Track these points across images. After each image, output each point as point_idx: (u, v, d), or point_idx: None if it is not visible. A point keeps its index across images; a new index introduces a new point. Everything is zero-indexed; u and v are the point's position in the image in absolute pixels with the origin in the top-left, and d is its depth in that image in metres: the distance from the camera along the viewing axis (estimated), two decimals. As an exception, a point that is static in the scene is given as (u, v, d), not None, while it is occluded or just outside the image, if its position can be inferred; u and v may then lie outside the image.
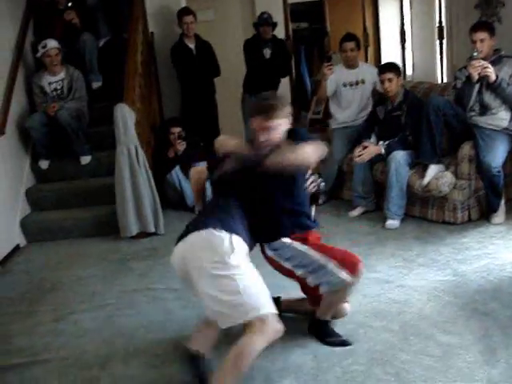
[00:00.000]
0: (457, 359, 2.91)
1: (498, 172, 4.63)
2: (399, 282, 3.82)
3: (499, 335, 3.10)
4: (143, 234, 5.19)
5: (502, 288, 3.63)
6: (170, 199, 5.90)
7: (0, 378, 3.13)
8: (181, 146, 5.88)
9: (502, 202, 4.76)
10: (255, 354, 2.54)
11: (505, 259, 4.05)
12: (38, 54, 5.81)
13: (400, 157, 4.87)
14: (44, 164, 5.90)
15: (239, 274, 2.59)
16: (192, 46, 6.53)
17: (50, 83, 5.84)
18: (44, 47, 5.73)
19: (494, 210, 4.74)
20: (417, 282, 3.79)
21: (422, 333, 3.17)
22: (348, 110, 5.76)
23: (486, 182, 4.70)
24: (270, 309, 2.60)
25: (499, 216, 4.75)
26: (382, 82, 5.08)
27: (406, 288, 3.71)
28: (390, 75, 5.02)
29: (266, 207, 2.98)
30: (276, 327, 2.59)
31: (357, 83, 5.71)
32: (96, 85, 6.50)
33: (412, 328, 3.22)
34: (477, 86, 4.65)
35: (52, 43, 5.74)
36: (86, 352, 3.31)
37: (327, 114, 6.06)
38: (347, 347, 3.04)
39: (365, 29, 8.84)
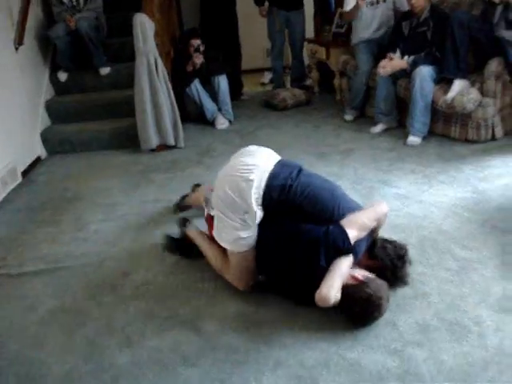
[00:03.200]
0: (473, 273, 2.93)
1: None
2: (419, 197, 3.81)
3: (517, 252, 3.10)
4: (163, 147, 5.20)
5: (522, 207, 3.60)
6: (190, 113, 5.88)
7: (28, 281, 3.22)
8: (198, 59, 5.76)
9: None
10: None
11: (527, 178, 4.00)
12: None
13: (426, 71, 4.74)
14: (63, 76, 5.87)
15: None
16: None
17: (65, -8, 5.73)
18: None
19: None
20: (436, 198, 3.78)
21: (440, 247, 3.18)
22: (369, 28, 5.58)
23: None
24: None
25: None
26: (409, -2, 4.92)
27: (426, 204, 3.70)
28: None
29: None
30: None
31: (377, 1, 5.51)
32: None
33: (430, 242, 3.24)
34: (500, 7, 4.47)
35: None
36: (107, 259, 3.38)
37: (350, 29, 5.88)
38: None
39: None
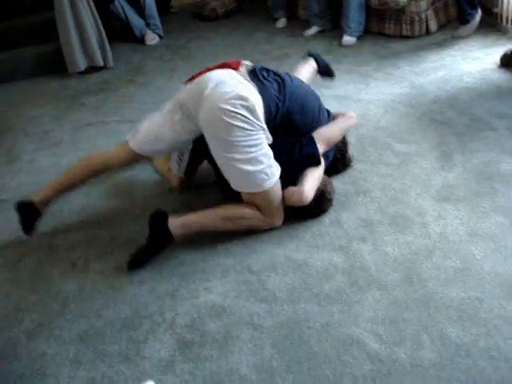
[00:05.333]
0: (413, 166, 2.96)
1: None
2: (356, 97, 3.78)
3: (455, 142, 3.13)
4: (92, 69, 4.97)
5: (458, 97, 3.62)
6: (117, 31, 5.61)
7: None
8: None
9: (478, 14, 4.49)
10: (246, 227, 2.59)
11: (462, 70, 4.02)
12: None
13: (356, -31, 4.62)
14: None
15: None
16: None
17: None
18: None
19: (466, 21, 4.51)
20: (374, 96, 3.76)
21: (379, 144, 3.19)
22: None
23: None
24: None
25: (468, 29, 4.53)
26: None
27: (363, 102, 3.68)
28: None
29: None
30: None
31: None
32: None
33: (369, 140, 3.24)
34: None
35: None
36: (44, 188, 3.26)
37: None
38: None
39: None
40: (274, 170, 2.48)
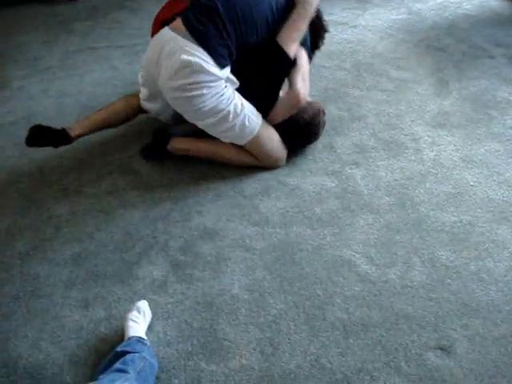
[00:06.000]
0: (409, 92, 2.92)
1: None
2: (353, 22, 3.69)
3: (452, 69, 3.08)
4: (82, -5, 4.81)
5: (456, 24, 3.54)
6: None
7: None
8: None
9: None
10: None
11: (461, -5, 3.91)
12: None
13: None
14: None
15: None
16: None
17: None
18: None
19: None
20: (371, 22, 3.67)
21: (375, 70, 3.13)
22: None
23: None
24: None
25: None
26: None
27: (360, 28, 3.60)
28: None
29: None
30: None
31: None
32: None
33: (365, 66, 3.18)
34: None
35: None
36: (35, 115, 3.21)
37: None
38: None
39: None
40: (253, 116, 2.40)
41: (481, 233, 2.10)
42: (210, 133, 2.44)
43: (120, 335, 1.85)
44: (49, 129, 2.51)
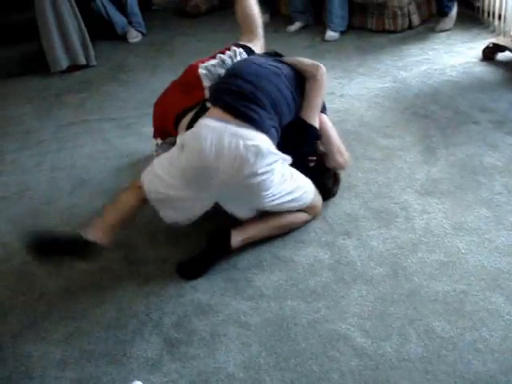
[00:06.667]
0: (397, 160, 2.97)
1: None
2: (340, 92, 3.78)
3: (438, 136, 3.14)
4: (74, 68, 4.92)
5: (441, 91, 3.63)
6: (99, 29, 5.54)
7: None
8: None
9: (454, 5, 4.52)
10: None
11: (445, 63, 4.03)
12: None
13: (338, -36, 4.61)
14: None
15: None
16: None
17: None
18: None
19: (445, 13, 4.53)
20: (357, 91, 3.76)
21: (364, 139, 3.19)
22: None
23: None
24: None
25: (448, 22, 4.54)
26: None
27: (347, 97, 3.68)
28: None
29: None
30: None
31: None
32: None
33: (353, 135, 3.24)
34: None
35: None
36: (26, 190, 3.23)
37: None
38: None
39: None
40: (307, 182, 2.52)
41: (475, 302, 2.10)
42: (276, 209, 2.46)
43: (114, 418, 1.82)
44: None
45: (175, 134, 2.66)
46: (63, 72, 4.90)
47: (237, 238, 2.43)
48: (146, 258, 2.51)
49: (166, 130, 2.81)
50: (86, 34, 4.91)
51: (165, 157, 2.42)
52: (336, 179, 2.77)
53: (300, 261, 2.38)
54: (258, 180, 2.25)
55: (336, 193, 2.76)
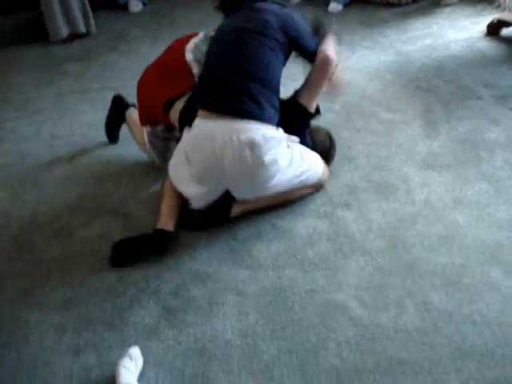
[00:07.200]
0: (399, 134, 2.95)
1: None
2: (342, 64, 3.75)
3: (440, 110, 3.12)
4: (74, 36, 4.87)
5: (444, 65, 3.61)
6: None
7: None
8: None
9: None
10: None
11: (449, 38, 4.00)
12: None
13: None
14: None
15: None
16: None
17: None
18: None
19: None
20: (360, 64, 3.73)
21: (365, 111, 3.17)
22: None
23: None
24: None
25: None
26: None
27: (349, 70, 3.64)
28: None
29: None
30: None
31: None
32: None
33: (355, 107, 3.22)
34: None
35: None
36: (26, 157, 3.22)
37: None
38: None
39: None
40: (316, 159, 2.52)
41: (472, 275, 2.10)
42: (286, 188, 2.44)
43: (111, 382, 1.82)
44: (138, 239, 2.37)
45: (165, 120, 2.64)
46: (63, 41, 4.85)
47: (237, 208, 2.45)
48: (145, 227, 2.50)
49: (154, 117, 2.72)
50: (87, 3, 4.85)
51: (176, 161, 2.42)
52: (331, 142, 2.71)
53: (299, 231, 2.38)
54: (264, 170, 2.24)
55: (334, 156, 2.72)
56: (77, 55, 4.59)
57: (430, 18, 4.38)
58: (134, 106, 3.03)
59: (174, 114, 2.54)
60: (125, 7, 5.48)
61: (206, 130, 2.25)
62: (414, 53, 3.80)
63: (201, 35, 2.64)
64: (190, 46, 2.60)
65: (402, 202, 2.48)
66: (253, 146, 2.19)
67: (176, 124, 2.54)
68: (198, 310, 2.07)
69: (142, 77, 2.77)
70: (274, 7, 2.42)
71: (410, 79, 3.46)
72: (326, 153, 2.65)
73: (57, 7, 4.71)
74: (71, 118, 3.55)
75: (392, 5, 4.66)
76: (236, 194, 2.39)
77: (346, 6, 4.75)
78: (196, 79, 2.52)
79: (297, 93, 2.51)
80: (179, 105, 2.51)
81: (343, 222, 2.40)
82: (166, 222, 2.38)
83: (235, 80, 2.27)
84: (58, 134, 3.39)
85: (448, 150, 2.79)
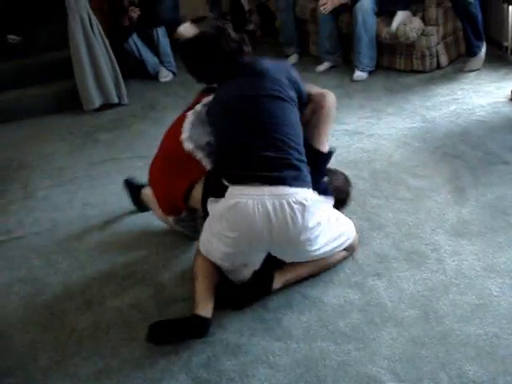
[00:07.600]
0: (427, 201, 2.96)
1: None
2: (368, 131, 3.80)
3: (468, 176, 3.13)
4: (107, 106, 5.04)
5: (470, 131, 3.63)
6: (132, 68, 5.68)
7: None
8: (134, 13, 5.52)
9: (484, 46, 4.51)
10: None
11: (473, 103, 4.03)
12: None
13: (367, 5, 4.66)
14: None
15: None
16: None
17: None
18: None
19: (474, 53, 4.53)
20: (386, 131, 3.78)
21: (393, 178, 3.19)
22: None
23: (462, 14, 4.46)
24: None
25: (477, 62, 4.54)
26: None
27: (376, 137, 3.70)
28: None
29: None
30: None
31: None
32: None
33: (382, 174, 3.24)
34: None
35: None
36: (58, 226, 3.29)
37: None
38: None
39: None
40: (349, 222, 2.57)
41: (507, 345, 2.06)
42: (326, 251, 2.45)
43: None
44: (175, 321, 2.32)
45: (187, 208, 2.66)
46: (96, 110, 5.02)
47: (278, 280, 2.43)
48: (174, 297, 2.52)
49: (176, 208, 2.71)
50: (119, 74, 5.03)
51: (207, 238, 2.41)
52: (348, 189, 2.78)
53: (329, 301, 2.37)
54: (309, 234, 2.28)
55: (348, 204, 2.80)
56: (108, 124, 4.74)
57: (454, 83, 4.43)
58: (143, 185, 3.07)
59: (194, 200, 2.56)
60: (155, 77, 5.66)
61: (253, 194, 2.22)
62: (439, 119, 3.84)
63: (190, 118, 2.64)
64: (184, 135, 2.59)
65: (433, 271, 2.46)
66: (303, 209, 2.22)
67: (198, 206, 2.57)
68: (230, 383, 2.05)
69: (151, 173, 2.79)
70: (271, 64, 2.53)
71: (436, 145, 3.49)
72: (342, 200, 2.71)
73: (90, 78, 4.90)
74: (103, 186, 3.64)
75: (416, 71, 4.73)
76: (281, 257, 2.42)
77: (370, 73, 4.84)
78: (204, 163, 2.54)
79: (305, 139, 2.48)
80: (197, 191, 2.53)
81: (374, 291, 2.39)
82: (204, 307, 2.28)
83: (268, 152, 2.28)
84: (90, 203, 3.47)
85: (477, 217, 2.78)
